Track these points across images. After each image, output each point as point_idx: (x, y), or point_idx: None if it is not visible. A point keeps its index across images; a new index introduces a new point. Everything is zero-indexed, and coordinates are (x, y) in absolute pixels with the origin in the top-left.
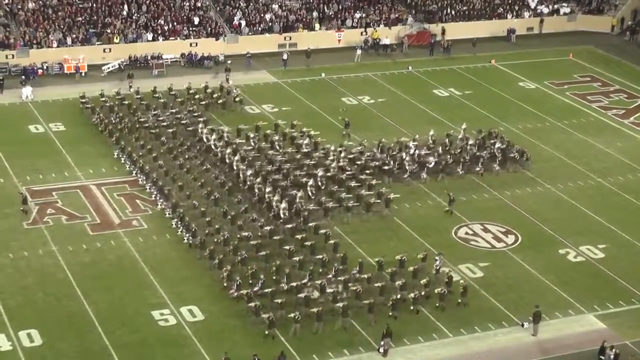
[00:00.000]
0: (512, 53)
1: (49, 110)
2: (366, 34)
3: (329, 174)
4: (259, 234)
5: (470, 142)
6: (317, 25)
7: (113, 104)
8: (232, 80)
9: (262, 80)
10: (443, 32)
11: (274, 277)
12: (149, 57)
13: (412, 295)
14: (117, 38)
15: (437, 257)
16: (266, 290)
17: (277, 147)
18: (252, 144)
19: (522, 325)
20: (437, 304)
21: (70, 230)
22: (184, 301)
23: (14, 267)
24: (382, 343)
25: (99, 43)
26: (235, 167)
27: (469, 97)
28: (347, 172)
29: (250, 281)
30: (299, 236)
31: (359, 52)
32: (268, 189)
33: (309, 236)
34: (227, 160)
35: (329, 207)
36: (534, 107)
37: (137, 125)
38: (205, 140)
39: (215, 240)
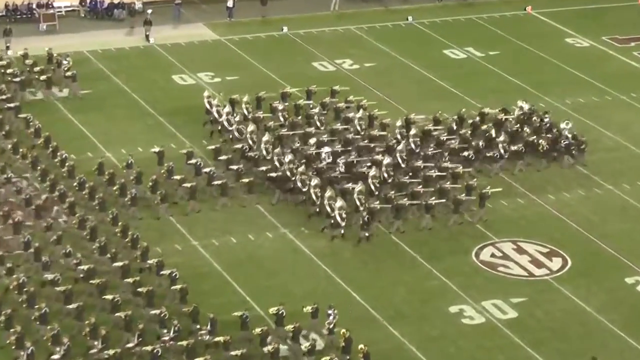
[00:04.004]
0: None
1: None
2: None
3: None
4: (74, 274)
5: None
6: None
7: None
8: (153, 38)
9: (198, 38)
10: None
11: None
12: (33, 6)
13: None
14: None
15: (329, 312)
16: None
17: (318, 124)
18: (281, 118)
19: None
20: None
21: None
22: None
23: None
24: None
25: None
26: (265, 151)
27: (494, 59)
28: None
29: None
30: (130, 279)
31: None
32: (314, 182)
33: (147, 279)
34: (250, 141)
35: (403, 205)
36: (588, 73)
37: None
38: (216, 115)
39: (7, 286)
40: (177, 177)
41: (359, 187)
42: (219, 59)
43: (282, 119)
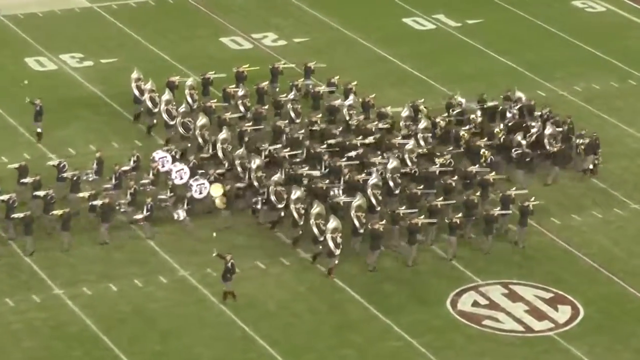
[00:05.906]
0: None
1: None
2: None
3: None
4: None
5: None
6: None
7: None
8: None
9: (61, 6)
10: None
11: None
12: None
13: None
14: None
15: None
16: None
17: (293, 114)
18: (242, 109)
19: None
20: None
21: None
22: None
23: None
24: None
25: None
26: (221, 153)
27: (474, 31)
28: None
29: None
30: None
31: None
32: (295, 195)
33: None
34: (201, 140)
35: (416, 225)
36: (605, 49)
37: None
38: (149, 104)
39: None
40: None
41: (357, 200)
42: (90, 35)
43: (242, 108)
